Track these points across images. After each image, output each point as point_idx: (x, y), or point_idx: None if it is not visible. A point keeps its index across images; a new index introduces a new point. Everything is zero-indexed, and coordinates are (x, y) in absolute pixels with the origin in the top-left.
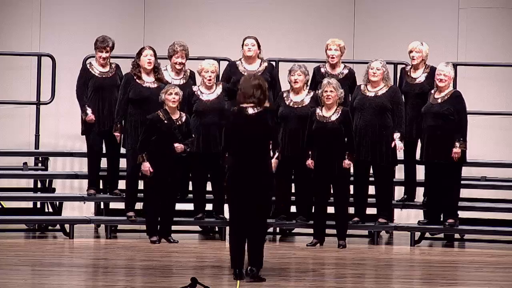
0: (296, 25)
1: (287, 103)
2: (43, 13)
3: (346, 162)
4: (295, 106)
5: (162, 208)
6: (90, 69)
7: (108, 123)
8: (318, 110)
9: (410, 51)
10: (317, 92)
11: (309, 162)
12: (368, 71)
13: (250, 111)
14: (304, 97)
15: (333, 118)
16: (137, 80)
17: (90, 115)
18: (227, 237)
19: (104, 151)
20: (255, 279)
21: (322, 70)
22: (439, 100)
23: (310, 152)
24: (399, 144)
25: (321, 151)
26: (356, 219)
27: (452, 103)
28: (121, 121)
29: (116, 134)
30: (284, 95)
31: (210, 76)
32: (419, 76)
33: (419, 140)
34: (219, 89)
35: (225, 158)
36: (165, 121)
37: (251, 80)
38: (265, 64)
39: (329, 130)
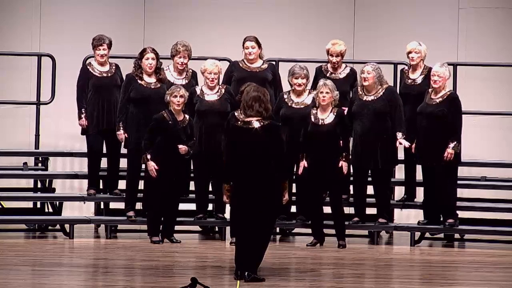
0: (296, 25)
1: (289, 104)
2: (43, 13)
3: (343, 164)
4: (297, 107)
5: (166, 208)
6: (89, 69)
7: (107, 123)
8: (313, 112)
9: (409, 52)
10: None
11: (302, 164)
12: (360, 75)
13: (256, 124)
14: (306, 98)
15: (328, 120)
16: (138, 81)
17: (83, 120)
18: (228, 237)
19: (104, 151)
20: (252, 281)
21: (324, 70)
22: (435, 101)
23: (302, 155)
24: (404, 142)
25: (316, 153)
26: (356, 219)
27: (448, 105)
28: (123, 121)
29: (119, 133)
30: (285, 96)
31: (212, 78)
32: (417, 77)
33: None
34: (222, 91)
35: (227, 174)
36: (170, 122)
37: (251, 91)
38: (267, 64)
39: (324, 132)
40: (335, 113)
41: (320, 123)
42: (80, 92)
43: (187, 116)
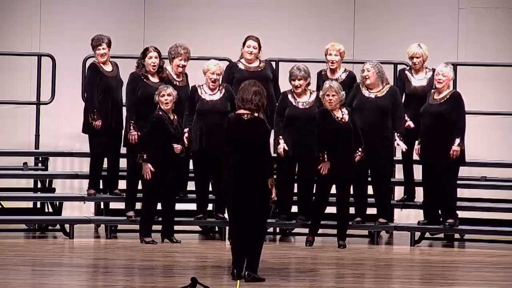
0: (296, 25)
1: (294, 104)
2: (43, 13)
3: (359, 156)
4: (302, 107)
5: (165, 208)
6: (99, 69)
7: (116, 123)
8: (329, 113)
9: (411, 57)
10: (319, 94)
11: (324, 166)
12: (361, 75)
13: (245, 117)
14: (309, 97)
15: (345, 119)
16: (144, 80)
17: (99, 121)
18: (227, 237)
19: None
20: (252, 281)
21: (323, 75)
22: (439, 101)
23: (323, 155)
24: (402, 145)
25: (335, 152)
26: (358, 219)
27: (451, 104)
28: (134, 120)
29: (133, 133)
30: (289, 95)
31: (215, 78)
32: (422, 79)
33: (416, 142)
34: (222, 90)
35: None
36: (167, 121)
37: (251, 86)
38: (264, 62)
39: (345, 130)
40: (347, 112)
41: (341, 122)
42: (91, 92)
43: (175, 116)
